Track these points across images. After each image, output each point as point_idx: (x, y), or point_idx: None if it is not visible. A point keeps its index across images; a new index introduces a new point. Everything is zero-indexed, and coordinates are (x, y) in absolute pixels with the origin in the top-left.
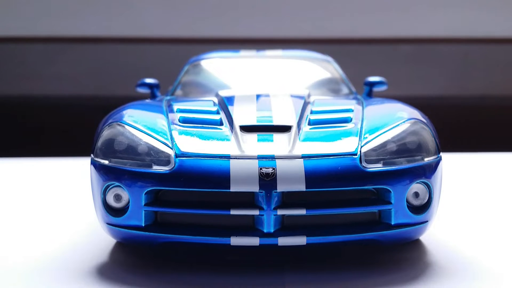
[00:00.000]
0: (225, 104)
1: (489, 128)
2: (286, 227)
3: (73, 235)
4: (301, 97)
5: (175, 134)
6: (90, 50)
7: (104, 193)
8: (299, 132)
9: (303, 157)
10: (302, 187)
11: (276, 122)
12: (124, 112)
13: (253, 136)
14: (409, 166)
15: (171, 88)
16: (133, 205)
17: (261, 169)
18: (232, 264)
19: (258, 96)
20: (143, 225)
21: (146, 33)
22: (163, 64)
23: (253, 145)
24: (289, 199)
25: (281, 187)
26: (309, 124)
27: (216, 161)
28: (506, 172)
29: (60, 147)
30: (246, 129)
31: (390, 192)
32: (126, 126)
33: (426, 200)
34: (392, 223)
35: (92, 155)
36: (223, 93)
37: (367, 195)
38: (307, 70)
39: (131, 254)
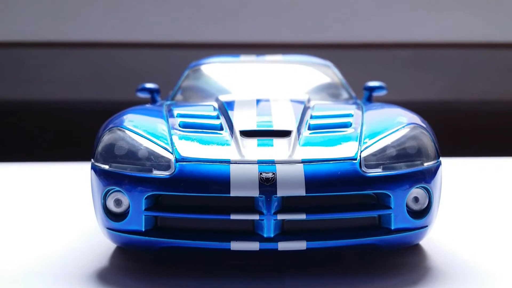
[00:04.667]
0: (225, 109)
1: (488, 133)
2: (286, 231)
3: (73, 240)
4: (301, 102)
5: (175, 139)
6: (90, 54)
7: (104, 197)
8: (299, 137)
9: (303, 162)
10: (302, 192)
11: (276, 127)
12: (125, 117)
13: (253, 141)
14: (408, 171)
15: (171, 93)
16: (133, 210)
17: (261, 174)
18: (232, 269)
19: (258, 101)
20: (143, 229)
21: (146, 38)
22: (164, 69)
23: (253, 150)
24: (289, 204)
25: (281, 192)
26: (309, 129)
27: (216, 166)
28: (506, 177)
29: (61, 152)
30: (246, 134)
31: (390, 197)
32: (127, 131)
33: (426, 205)
34: (392, 228)
35: (92, 159)
36: (223, 98)
37: (367, 200)
38: (307, 75)
39: (131, 259)
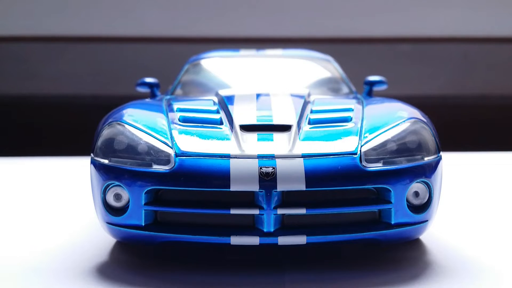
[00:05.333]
0: (225, 103)
1: (488, 128)
2: (286, 226)
3: (73, 234)
4: (301, 97)
5: (175, 133)
6: (90, 49)
7: (104, 192)
8: (299, 132)
9: (303, 156)
10: (302, 187)
11: (276, 121)
12: (124, 111)
13: (253, 136)
14: (409, 165)
15: (171, 87)
16: (133, 204)
17: (261, 168)
18: (232, 263)
19: (258, 95)
20: (143, 224)
21: (146, 33)
22: (164, 64)
23: (253, 144)
24: (289, 199)
25: (281, 187)
26: (309, 123)
27: (216, 160)
28: (505, 171)
29: (60, 147)
30: (246, 128)
31: (390, 191)
32: (126, 125)
33: (426, 200)
34: (392, 223)
35: (92, 154)
36: (223, 92)
37: (367, 194)
38: (307, 70)
39: (131, 254)
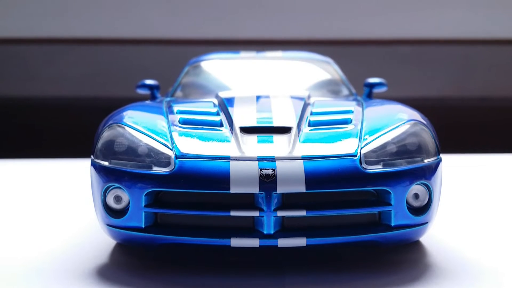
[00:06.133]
0: (225, 105)
1: (489, 129)
2: (286, 228)
3: (73, 236)
4: (301, 99)
5: (175, 135)
6: (90, 51)
7: (104, 194)
8: (299, 134)
9: (303, 158)
10: (302, 189)
11: (276, 123)
12: (124, 113)
13: (253, 138)
14: (409, 167)
15: (171, 89)
16: (133, 206)
17: (261, 170)
18: (232, 265)
19: (258, 97)
20: (143, 226)
21: (146, 34)
22: (164, 65)
23: (253, 146)
24: (289, 201)
25: (281, 189)
26: (309, 125)
27: (216, 162)
28: (506, 173)
29: (60, 149)
30: (246, 130)
31: (390, 193)
32: (126, 128)
33: (426, 202)
34: (392, 225)
35: (92, 156)
36: (223, 94)
37: (367, 196)
38: (307, 72)
39: (131, 256)
